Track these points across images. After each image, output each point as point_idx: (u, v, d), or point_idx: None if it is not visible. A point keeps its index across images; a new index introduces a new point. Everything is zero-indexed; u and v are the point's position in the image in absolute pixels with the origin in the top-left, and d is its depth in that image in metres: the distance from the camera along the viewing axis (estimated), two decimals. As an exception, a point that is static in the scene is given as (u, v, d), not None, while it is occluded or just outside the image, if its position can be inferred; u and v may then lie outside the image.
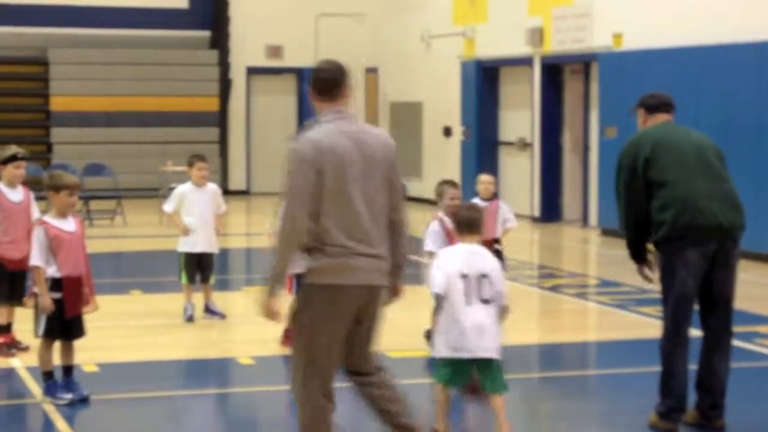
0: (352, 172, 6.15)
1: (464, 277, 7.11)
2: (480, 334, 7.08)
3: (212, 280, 11.71)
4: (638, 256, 7.86)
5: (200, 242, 11.54)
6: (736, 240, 7.71)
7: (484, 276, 7.14)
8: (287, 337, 10.14)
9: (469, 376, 7.31)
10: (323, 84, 6.31)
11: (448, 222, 9.51)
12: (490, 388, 7.26)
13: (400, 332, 10.49)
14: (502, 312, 7.24)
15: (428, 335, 9.43)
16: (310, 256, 6.15)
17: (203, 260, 11.58)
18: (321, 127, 6.24)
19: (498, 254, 10.06)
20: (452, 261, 7.19)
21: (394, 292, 6.49)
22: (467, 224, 7.39)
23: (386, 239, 6.32)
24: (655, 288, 7.88)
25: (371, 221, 6.21)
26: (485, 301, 7.13)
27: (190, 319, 11.43)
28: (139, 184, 23.55)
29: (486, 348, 7.11)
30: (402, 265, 6.46)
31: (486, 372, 7.20)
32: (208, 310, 11.66)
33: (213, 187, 11.82)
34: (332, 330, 6.22)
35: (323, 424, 6.28)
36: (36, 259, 8.40)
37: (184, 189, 11.67)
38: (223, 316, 11.62)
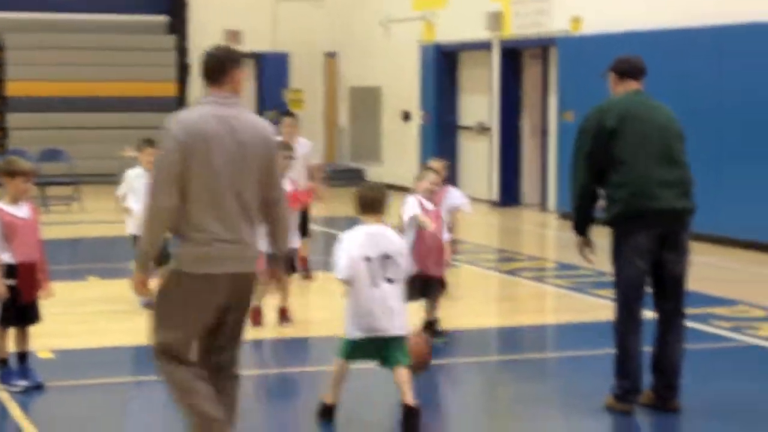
0: (220, 157, 6.12)
1: (368, 260, 7.26)
2: (388, 314, 7.28)
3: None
4: (582, 227, 7.87)
5: None
6: (685, 225, 7.77)
7: (387, 257, 7.30)
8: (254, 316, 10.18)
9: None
10: (210, 69, 6.34)
11: (425, 203, 9.71)
12: (394, 362, 7.41)
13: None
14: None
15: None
16: (179, 241, 6.19)
17: None
18: (196, 109, 6.27)
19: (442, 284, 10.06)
20: (355, 244, 7.29)
21: (272, 276, 6.61)
22: (369, 204, 7.45)
23: (255, 227, 6.25)
24: (609, 271, 7.91)
25: (238, 208, 6.17)
26: (390, 281, 7.31)
27: (148, 305, 11.33)
28: (97, 170, 23.39)
29: (395, 326, 7.33)
30: (281, 251, 6.48)
31: (392, 348, 7.38)
32: None
33: None
34: (192, 319, 6.20)
35: (196, 406, 6.23)
36: (-6, 247, 8.33)
37: (134, 173, 11.63)
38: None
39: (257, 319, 10.41)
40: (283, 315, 10.65)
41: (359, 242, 7.28)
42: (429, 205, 9.82)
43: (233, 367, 6.45)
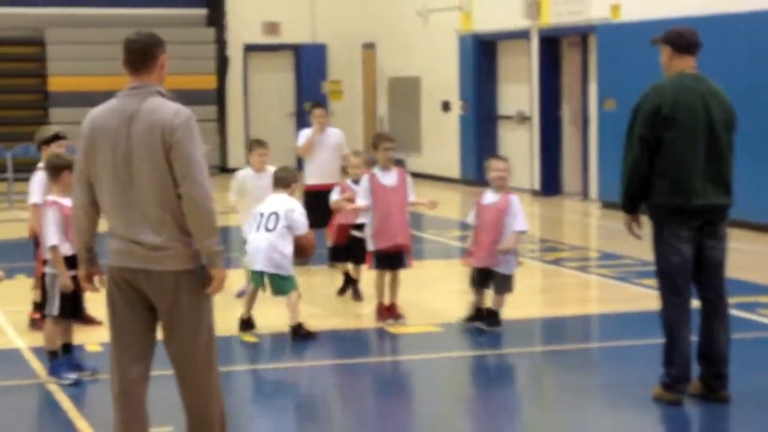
0: (114, 153, 5.93)
1: (261, 214, 10.08)
2: (257, 252, 9.92)
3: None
4: (631, 205, 7.84)
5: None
6: (724, 217, 7.80)
7: (273, 213, 10.02)
8: None
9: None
10: (127, 58, 6.08)
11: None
12: (276, 293, 10.03)
13: (406, 308, 10.53)
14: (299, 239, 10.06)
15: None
16: None
17: None
18: (105, 104, 6.09)
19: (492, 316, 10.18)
20: (261, 207, 10.21)
21: (207, 278, 5.96)
22: (277, 181, 10.35)
23: (162, 224, 5.91)
24: (653, 260, 7.88)
25: (136, 208, 5.92)
26: (268, 230, 9.97)
27: (241, 294, 11.28)
28: (138, 163, 23.48)
29: (260, 261, 9.91)
30: (204, 249, 5.92)
31: (271, 280, 9.95)
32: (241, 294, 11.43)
33: (272, 169, 11.62)
34: (113, 314, 6.10)
35: (120, 413, 6.13)
36: (54, 239, 8.44)
37: (243, 174, 11.65)
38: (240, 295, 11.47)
39: (383, 314, 10.45)
40: (393, 311, 10.52)
41: (264, 204, 10.22)
42: (493, 198, 10.06)
43: (193, 379, 6.11)
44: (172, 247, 5.93)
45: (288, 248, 9.98)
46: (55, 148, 9.92)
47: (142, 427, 6.18)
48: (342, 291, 11.66)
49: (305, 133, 13.33)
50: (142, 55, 6.07)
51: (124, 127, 5.96)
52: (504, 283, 10.01)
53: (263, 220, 10.02)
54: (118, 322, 6.10)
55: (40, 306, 9.96)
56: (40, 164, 9.81)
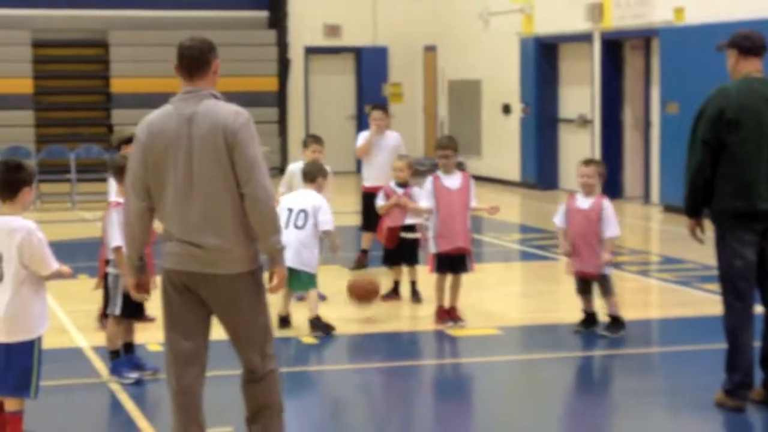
0: (173, 159, 6.01)
1: (290, 210, 10.19)
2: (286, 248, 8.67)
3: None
4: (695, 210, 7.77)
5: None
6: None
7: (302, 211, 10.17)
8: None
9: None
10: (181, 63, 6.16)
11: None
12: (296, 287, 10.28)
13: (466, 311, 10.51)
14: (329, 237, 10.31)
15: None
16: None
17: None
18: (159, 110, 6.17)
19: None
20: (289, 200, 10.41)
21: (269, 278, 6.15)
22: (304, 175, 10.66)
23: (225, 226, 6.00)
24: (715, 265, 7.81)
25: (197, 210, 5.99)
26: (297, 227, 10.11)
27: (300, 298, 11.31)
28: (199, 165, 23.61)
29: (288, 258, 9.31)
30: (266, 247, 6.04)
31: (295, 275, 9.98)
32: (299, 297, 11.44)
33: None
34: (169, 315, 6.21)
35: (178, 414, 6.22)
36: (117, 240, 8.49)
37: (294, 167, 11.69)
38: (323, 298, 11.38)
39: (443, 317, 10.41)
40: (452, 314, 10.46)
41: (291, 199, 10.46)
42: (584, 203, 10.01)
43: (252, 370, 6.27)
44: (232, 250, 6.02)
45: (316, 246, 10.27)
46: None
47: (200, 427, 6.25)
48: (388, 296, 11.55)
49: (363, 135, 13.35)
50: (196, 61, 6.14)
51: (184, 129, 6.02)
52: (604, 287, 9.98)
53: (292, 216, 10.17)
54: (174, 323, 6.20)
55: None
56: None
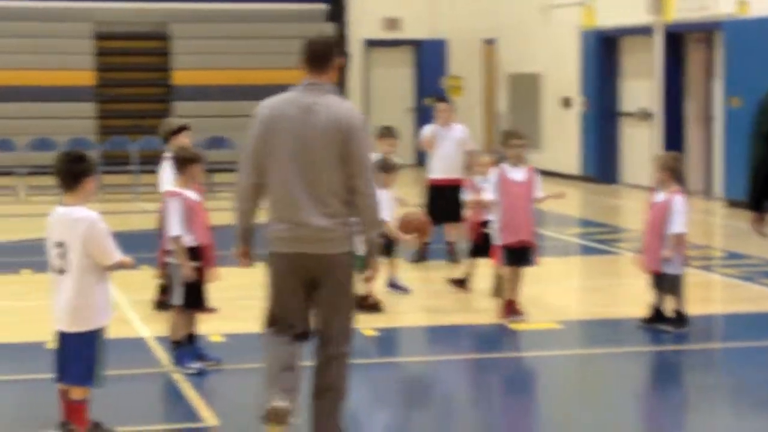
0: (291, 141, 6.43)
1: None
2: None
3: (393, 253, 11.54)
4: (756, 203, 7.69)
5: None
6: None
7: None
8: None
9: None
10: (307, 56, 6.60)
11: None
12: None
13: (527, 305, 10.48)
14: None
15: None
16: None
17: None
18: (280, 95, 6.60)
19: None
20: None
21: (366, 266, 6.65)
22: (383, 168, 10.63)
23: (330, 210, 6.43)
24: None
25: (306, 192, 6.42)
26: None
27: (392, 286, 11.32)
28: (259, 157, 23.68)
29: None
30: (368, 239, 6.55)
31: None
32: (392, 285, 11.48)
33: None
34: (277, 295, 6.64)
35: (277, 375, 6.59)
36: (177, 229, 8.56)
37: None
38: (407, 291, 11.43)
39: (508, 310, 10.35)
40: (511, 308, 10.39)
41: None
42: (660, 197, 9.93)
43: (332, 345, 6.62)
44: (336, 230, 6.48)
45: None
46: (182, 139, 10.09)
47: (297, 393, 6.62)
48: (459, 285, 11.54)
49: (428, 128, 13.33)
50: (322, 56, 6.61)
51: (304, 117, 6.46)
52: (670, 284, 9.89)
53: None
54: (278, 300, 6.63)
55: (165, 290, 10.20)
56: (167, 154, 9.96)
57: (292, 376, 6.59)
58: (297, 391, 6.64)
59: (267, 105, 6.59)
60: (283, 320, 6.61)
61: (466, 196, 11.43)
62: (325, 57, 6.59)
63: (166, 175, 9.77)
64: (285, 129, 6.45)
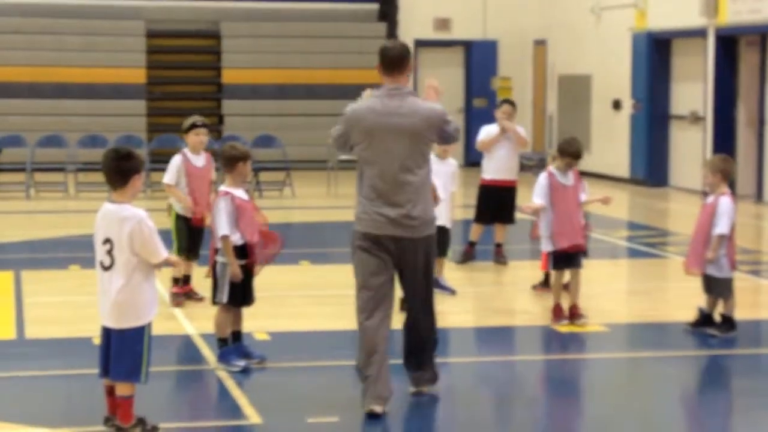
0: (386, 137, 7.30)
1: None
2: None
3: (449, 253, 11.58)
4: None
5: (440, 216, 11.24)
6: None
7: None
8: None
9: None
10: (385, 62, 7.41)
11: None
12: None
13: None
14: None
15: None
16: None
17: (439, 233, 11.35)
18: (366, 99, 7.50)
19: None
20: None
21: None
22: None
23: (415, 197, 7.35)
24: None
25: (391, 184, 7.31)
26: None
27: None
28: (307, 156, 23.77)
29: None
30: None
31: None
32: (438, 286, 11.43)
33: (453, 162, 11.58)
34: (365, 274, 7.45)
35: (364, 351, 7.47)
36: (224, 229, 8.59)
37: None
38: (453, 292, 11.41)
39: (557, 314, 10.29)
40: (573, 312, 10.27)
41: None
42: (709, 198, 9.95)
43: (421, 313, 7.68)
44: (423, 217, 7.39)
45: None
46: (194, 137, 10.64)
47: (381, 355, 7.39)
48: (542, 288, 11.56)
49: (487, 129, 13.28)
50: (399, 61, 7.42)
51: (384, 122, 7.29)
52: (718, 287, 9.82)
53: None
54: (366, 279, 7.41)
55: (177, 281, 10.76)
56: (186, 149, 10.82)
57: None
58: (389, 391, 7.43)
59: (350, 109, 7.46)
60: (368, 293, 7.50)
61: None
62: (401, 62, 7.37)
63: (172, 167, 10.63)
64: (379, 131, 7.29)
